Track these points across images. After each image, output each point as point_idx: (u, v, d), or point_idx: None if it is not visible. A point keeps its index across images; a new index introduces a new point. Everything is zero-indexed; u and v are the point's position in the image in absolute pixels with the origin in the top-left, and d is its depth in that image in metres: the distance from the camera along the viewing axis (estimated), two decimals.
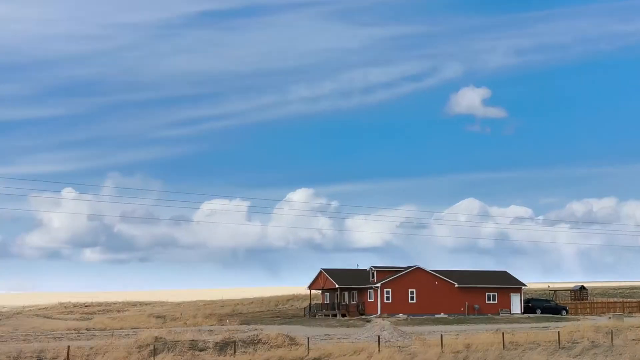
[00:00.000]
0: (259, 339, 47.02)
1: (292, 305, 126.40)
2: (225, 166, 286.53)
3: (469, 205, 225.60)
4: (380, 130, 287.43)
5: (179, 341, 45.42)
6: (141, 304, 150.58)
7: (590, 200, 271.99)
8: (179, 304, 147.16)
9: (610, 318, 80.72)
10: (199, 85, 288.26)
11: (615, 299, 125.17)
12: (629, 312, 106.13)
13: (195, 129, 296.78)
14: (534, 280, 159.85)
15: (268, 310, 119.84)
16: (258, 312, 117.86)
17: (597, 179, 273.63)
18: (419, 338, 52.48)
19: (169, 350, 42.87)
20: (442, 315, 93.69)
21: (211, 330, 67.22)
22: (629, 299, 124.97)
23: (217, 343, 45.03)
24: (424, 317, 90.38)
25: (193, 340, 46.66)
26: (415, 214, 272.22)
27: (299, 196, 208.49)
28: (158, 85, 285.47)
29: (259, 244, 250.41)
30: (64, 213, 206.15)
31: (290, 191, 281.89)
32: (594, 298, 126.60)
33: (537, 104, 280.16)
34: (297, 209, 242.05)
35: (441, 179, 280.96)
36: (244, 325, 78.15)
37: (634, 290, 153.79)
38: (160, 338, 45.96)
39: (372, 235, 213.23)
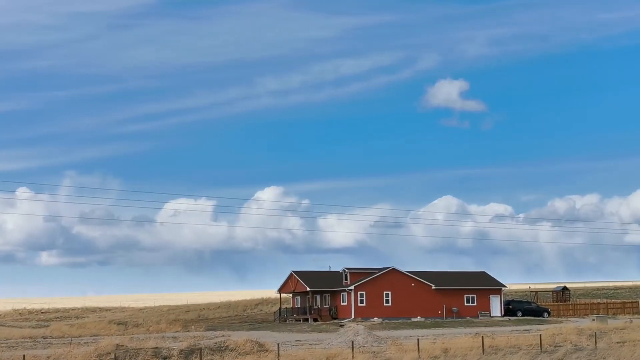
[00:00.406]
0: (226, 346, 46.83)
1: (261, 310, 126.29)
2: (189, 163, 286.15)
3: (446, 203, 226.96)
4: (353, 125, 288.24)
5: (141, 349, 45.13)
6: (101, 309, 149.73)
7: (572, 197, 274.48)
8: (141, 310, 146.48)
9: (593, 320, 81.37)
10: (161, 78, 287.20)
11: (598, 300, 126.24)
12: (613, 314, 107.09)
13: (158, 124, 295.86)
14: (515, 281, 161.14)
15: (236, 316, 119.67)
16: (225, 317, 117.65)
17: (579, 174, 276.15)
18: (395, 343, 52.52)
19: (130, 358, 42.59)
20: (418, 318, 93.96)
21: (175, 337, 66.90)
22: (612, 300, 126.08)
23: (182, 350, 44.80)
24: (399, 320, 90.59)
25: (156, 347, 46.38)
26: (391, 213, 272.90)
27: (268, 195, 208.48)
28: (118, 78, 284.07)
29: (226, 246, 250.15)
30: (18, 214, 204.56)
31: (258, 190, 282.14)
32: (577, 299, 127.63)
33: (517, 97, 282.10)
34: (266, 209, 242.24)
35: (417, 176, 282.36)
36: (211, 332, 77.88)
37: (618, 291, 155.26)
38: (122, 346, 45.64)
39: (345, 236, 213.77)
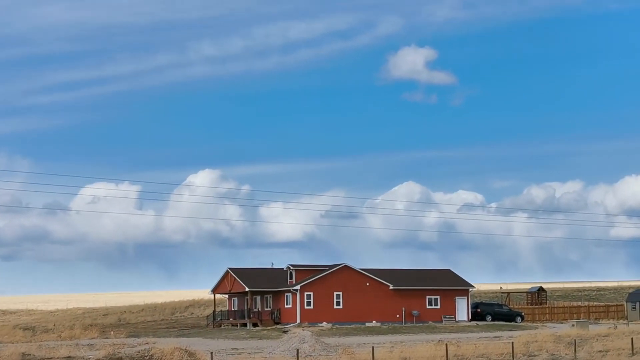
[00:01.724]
0: (151, 355, 46.77)
1: (192, 313, 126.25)
2: (110, 142, 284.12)
3: (408, 191, 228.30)
4: (302, 98, 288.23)
5: (51, 358, 44.93)
6: (5, 312, 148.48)
7: (552, 184, 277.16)
8: (52, 313, 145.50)
9: (573, 326, 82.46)
10: (77, 41, 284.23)
11: (579, 303, 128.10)
12: (595, 319, 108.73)
13: (72, 96, 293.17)
14: (485, 280, 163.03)
15: (162, 320, 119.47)
16: (150, 321, 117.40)
17: (560, 158, 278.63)
18: (346, 351, 52.83)
19: None
20: (374, 323, 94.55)
21: (92, 345, 66.61)
22: (595, 303, 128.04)
23: None
24: (352, 325, 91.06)
25: (69, 357, 46.20)
26: (344, 201, 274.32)
27: (202, 179, 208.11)
28: (26, 41, 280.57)
29: (153, 239, 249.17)
30: None
31: (191, 173, 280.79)
32: (555, 302, 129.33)
33: (492, 69, 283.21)
34: (200, 195, 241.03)
35: (375, 159, 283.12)
36: (133, 338, 77.68)
37: (601, 293, 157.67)
38: (29, 355, 45.39)
39: (291, 228, 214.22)
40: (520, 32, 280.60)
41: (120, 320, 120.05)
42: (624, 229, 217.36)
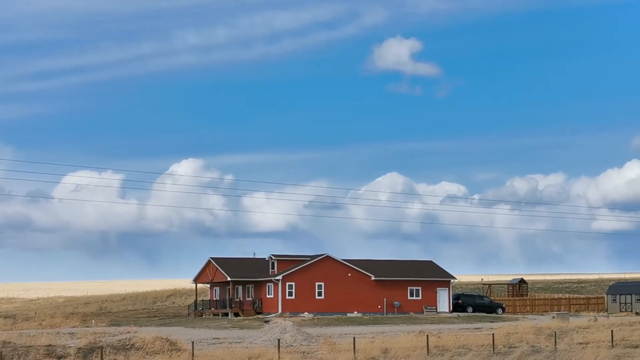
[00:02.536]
0: (132, 344, 46.70)
1: (173, 303, 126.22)
2: (93, 130, 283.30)
3: (391, 182, 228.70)
4: (287, 88, 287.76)
5: (32, 347, 44.78)
6: None
7: (534, 176, 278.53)
8: (33, 301, 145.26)
9: (553, 318, 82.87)
10: (61, 28, 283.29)
11: (560, 295, 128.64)
12: (576, 311, 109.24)
13: (56, 83, 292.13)
14: (467, 272, 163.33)
15: (144, 309, 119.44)
16: (131, 310, 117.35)
17: (543, 151, 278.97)
18: (328, 342, 52.89)
19: (19, 357, 42.25)
20: (355, 314, 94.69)
21: (73, 333, 66.48)
22: (575, 295, 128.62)
23: (80, 349, 44.55)
24: (333, 316, 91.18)
25: (50, 345, 46.05)
26: (327, 192, 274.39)
27: (185, 168, 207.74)
28: (8, 27, 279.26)
29: (135, 228, 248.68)
30: None
31: (174, 162, 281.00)
32: (536, 294, 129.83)
33: (477, 61, 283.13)
34: (183, 185, 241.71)
35: (359, 150, 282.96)
36: (114, 327, 77.58)
37: (582, 285, 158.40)
38: (9, 343, 45.25)
39: (274, 218, 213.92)
40: (506, 24, 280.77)
41: (101, 309, 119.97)
42: (606, 222, 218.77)
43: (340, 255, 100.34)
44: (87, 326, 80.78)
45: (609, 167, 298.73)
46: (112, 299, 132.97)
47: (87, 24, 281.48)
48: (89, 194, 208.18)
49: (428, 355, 45.33)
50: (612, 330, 55.00)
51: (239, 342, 57.10)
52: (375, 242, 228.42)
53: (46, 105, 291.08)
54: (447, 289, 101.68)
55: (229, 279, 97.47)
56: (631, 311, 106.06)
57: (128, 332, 66.40)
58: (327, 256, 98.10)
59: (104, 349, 43.91)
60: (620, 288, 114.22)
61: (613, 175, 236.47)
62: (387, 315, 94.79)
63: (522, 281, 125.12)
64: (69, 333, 67.28)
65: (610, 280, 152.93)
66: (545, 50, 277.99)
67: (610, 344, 50.92)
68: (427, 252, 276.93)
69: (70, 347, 45.66)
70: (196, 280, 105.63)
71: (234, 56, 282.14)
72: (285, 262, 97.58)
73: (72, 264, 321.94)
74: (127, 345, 46.58)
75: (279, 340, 48.67)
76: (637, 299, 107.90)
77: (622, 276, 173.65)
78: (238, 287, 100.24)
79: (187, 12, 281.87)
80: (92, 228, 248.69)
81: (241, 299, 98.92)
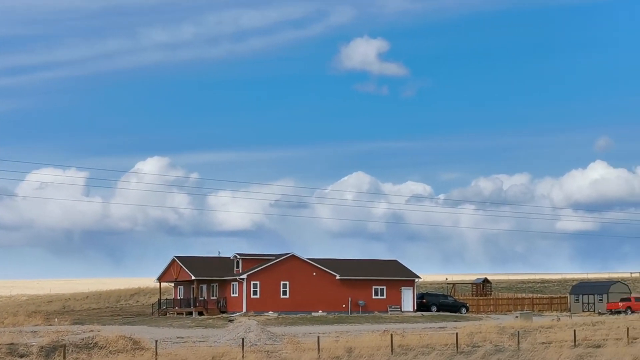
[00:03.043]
0: (95, 342, 46.51)
1: (137, 301, 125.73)
2: (57, 127, 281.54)
3: (357, 181, 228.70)
4: (253, 86, 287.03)
5: None
6: None
7: (499, 176, 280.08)
8: None
9: (517, 317, 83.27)
10: (25, 25, 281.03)
11: (523, 295, 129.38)
12: (539, 310, 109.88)
13: (19, 80, 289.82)
14: (432, 271, 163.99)
15: (107, 307, 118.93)
16: (95, 309, 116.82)
17: (508, 151, 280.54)
18: (292, 341, 52.89)
19: None
20: (320, 313, 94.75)
21: (35, 332, 66.09)
22: (539, 295, 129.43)
23: (42, 347, 44.30)
24: (298, 315, 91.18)
25: (12, 343, 45.76)
26: (293, 191, 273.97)
27: (151, 166, 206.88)
28: None
29: (99, 226, 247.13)
30: None
31: (139, 160, 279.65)
32: (499, 293, 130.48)
33: (444, 61, 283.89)
34: (148, 183, 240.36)
35: (325, 149, 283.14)
36: (77, 326, 77.21)
37: (545, 285, 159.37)
38: None
39: (240, 217, 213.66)
40: (472, 25, 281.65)
41: (64, 308, 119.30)
42: (570, 222, 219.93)
43: (305, 254, 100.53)
44: (50, 325, 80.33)
45: (573, 167, 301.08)
46: (75, 297, 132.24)
47: (53, 20, 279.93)
48: (53, 191, 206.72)
49: (392, 354, 45.44)
50: (574, 330, 55.38)
51: (203, 341, 56.99)
52: (341, 241, 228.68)
53: (10, 102, 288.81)
54: (411, 288, 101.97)
55: (193, 277, 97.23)
56: (594, 311, 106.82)
57: (91, 330, 66.07)
58: (292, 255, 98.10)
59: (66, 348, 43.66)
60: (583, 288, 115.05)
61: (577, 176, 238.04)
62: (352, 315, 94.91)
63: (485, 281, 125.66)
64: (32, 331, 66.88)
65: (573, 280, 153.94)
66: (510, 52, 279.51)
67: (573, 343, 51.29)
68: (392, 251, 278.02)
69: (32, 345, 45.40)
70: (160, 279, 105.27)
71: (201, 54, 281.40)
72: (250, 261, 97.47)
73: (35, 262, 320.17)
74: (90, 343, 46.38)
75: (243, 339, 48.65)
76: (600, 299, 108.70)
77: (585, 276, 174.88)
78: (202, 286, 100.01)
79: (154, 9, 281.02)
80: (55, 226, 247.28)
81: (205, 298, 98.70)
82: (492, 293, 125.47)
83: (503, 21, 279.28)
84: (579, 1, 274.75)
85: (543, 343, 52.00)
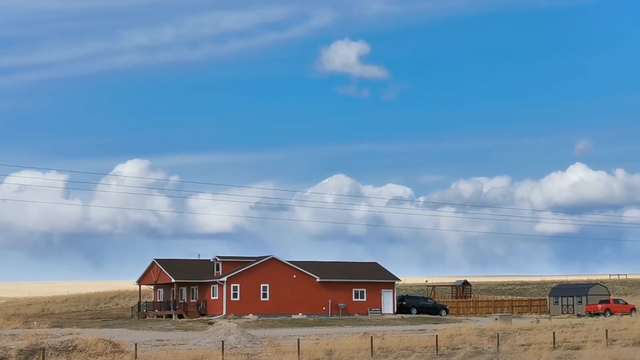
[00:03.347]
0: (75, 345, 46.36)
1: (117, 304, 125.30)
2: (37, 129, 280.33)
3: (337, 183, 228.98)
4: (234, 89, 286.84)
5: None
6: None
7: (479, 179, 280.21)
8: None
9: (496, 319, 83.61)
10: (5, 26, 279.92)
11: (503, 297, 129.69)
12: (518, 313, 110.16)
13: (0, 82, 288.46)
14: (412, 273, 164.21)
15: (87, 310, 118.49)
16: (74, 312, 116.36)
17: (488, 154, 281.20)
18: (272, 343, 52.89)
19: None
20: (300, 315, 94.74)
21: (14, 335, 65.80)
22: (518, 297, 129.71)
23: (21, 351, 44.15)
24: (278, 318, 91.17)
25: None
26: (274, 193, 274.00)
27: (131, 169, 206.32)
28: None
29: (79, 228, 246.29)
30: None
31: (119, 163, 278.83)
32: (479, 295, 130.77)
33: (424, 63, 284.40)
34: (128, 185, 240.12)
35: (306, 151, 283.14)
36: (56, 329, 76.93)
37: (525, 287, 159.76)
38: None
39: (220, 219, 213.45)
40: (452, 27, 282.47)
41: (43, 311, 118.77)
42: (549, 225, 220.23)
43: (286, 257, 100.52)
44: (29, 328, 80.00)
45: (553, 170, 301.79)
46: (54, 300, 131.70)
47: (33, 22, 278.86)
48: (32, 194, 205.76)
49: (372, 356, 45.51)
50: (554, 332, 55.61)
51: (183, 344, 56.91)
52: (321, 243, 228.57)
53: None
54: (391, 290, 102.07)
55: (173, 280, 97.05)
56: (573, 313, 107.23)
57: (70, 333, 65.87)
58: (273, 258, 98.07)
59: (45, 351, 43.53)
60: (563, 290, 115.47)
61: (557, 179, 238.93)
62: (332, 317, 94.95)
63: (465, 283, 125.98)
64: (11, 334, 66.57)
65: (552, 282, 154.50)
66: (490, 55, 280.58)
67: (552, 345, 51.49)
68: (372, 253, 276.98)
69: (11, 348, 45.23)
70: (140, 281, 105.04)
71: (181, 56, 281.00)
72: (230, 263, 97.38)
73: (14, 264, 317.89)
74: (70, 347, 46.23)
75: (223, 342, 48.59)
76: (579, 301, 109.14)
77: (564, 278, 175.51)
78: (182, 288, 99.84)
79: (134, 12, 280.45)
80: (35, 229, 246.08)
81: (185, 301, 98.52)
82: (472, 295, 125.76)
83: (482, 24, 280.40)
84: (556, 4, 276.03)
85: (522, 345, 52.18)
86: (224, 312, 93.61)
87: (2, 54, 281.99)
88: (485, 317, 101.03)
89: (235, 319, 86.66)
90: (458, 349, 50.87)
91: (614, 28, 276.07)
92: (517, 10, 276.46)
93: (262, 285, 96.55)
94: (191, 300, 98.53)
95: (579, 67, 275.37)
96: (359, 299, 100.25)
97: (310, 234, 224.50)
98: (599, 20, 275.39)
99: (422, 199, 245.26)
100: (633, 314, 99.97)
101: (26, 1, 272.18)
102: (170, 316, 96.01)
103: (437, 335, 52.86)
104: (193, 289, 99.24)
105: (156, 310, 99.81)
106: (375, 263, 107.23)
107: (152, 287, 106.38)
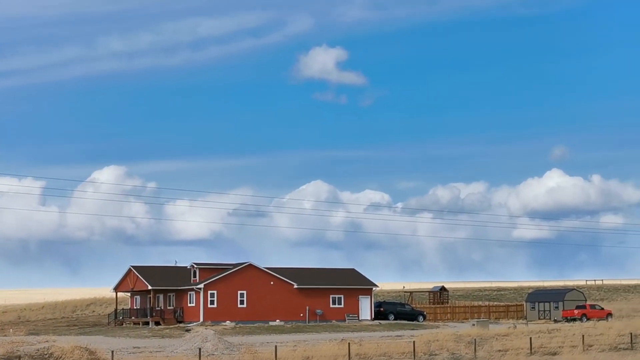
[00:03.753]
0: (51, 353, 46.19)
1: (93, 311, 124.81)
2: (13, 136, 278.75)
3: (316, 190, 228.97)
4: (211, 95, 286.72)
5: None
6: None
7: (457, 185, 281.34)
8: None
9: (473, 325, 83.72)
10: None
11: (480, 303, 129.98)
12: (495, 318, 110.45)
13: None
14: (390, 279, 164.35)
15: (63, 318, 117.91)
16: (50, 319, 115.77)
17: (465, 160, 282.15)
18: (249, 350, 52.82)
19: None
20: (277, 322, 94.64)
21: None
22: (495, 303, 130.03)
23: None
24: (256, 324, 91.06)
25: None
26: (252, 200, 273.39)
27: (108, 176, 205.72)
28: None
29: (56, 235, 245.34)
30: None
31: (96, 169, 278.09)
32: (456, 301, 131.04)
33: (402, 70, 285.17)
34: (105, 192, 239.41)
35: (284, 157, 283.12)
36: (32, 336, 76.56)
37: (502, 293, 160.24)
38: None
39: (198, 226, 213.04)
40: (430, 34, 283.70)
41: (19, 318, 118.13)
42: (526, 230, 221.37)
43: (264, 263, 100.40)
44: (5, 335, 79.59)
45: (530, 176, 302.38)
46: (30, 307, 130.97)
47: (8, 28, 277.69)
48: (8, 201, 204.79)
49: None
50: (530, 338, 55.76)
51: (160, 351, 56.76)
52: (300, 250, 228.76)
53: None
54: (369, 296, 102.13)
55: (149, 287, 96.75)
56: (549, 319, 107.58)
57: (47, 341, 65.57)
58: (250, 264, 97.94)
59: (21, 359, 43.33)
60: (539, 296, 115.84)
61: (533, 185, 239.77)
62: (310, 324, 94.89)
63: (442, 289, 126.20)
64: None
65: (529, 288, 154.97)
66: (467, 61, 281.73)
67: (529, 351, 51.65)
68: (350, 260, 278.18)
69: None
70: (116, 288, 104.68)
71: (158, 62, 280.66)
72: (207, 270, 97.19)
73: None
74: (46, 354, 46.04)
75: (200, 349, 48.51)
76: (556, 307, 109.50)
77: (541, 284, 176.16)
78: (159, 295, 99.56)
79: (111, 18, 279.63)
80: (11, 235, 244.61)
81: (162, 308, 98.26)
82: (449, 301, 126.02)
83: (459, 32, 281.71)
84: (532, 12, 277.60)
85: (500, 351, 52.32)
86: (201, 319, 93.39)
87: None
88: (463, 322, 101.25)
89: (213, 326, 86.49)
90: (435, 355, 50.95)
91: (590, 36, 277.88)
92: (493, 17, 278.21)
93: (239, 292, 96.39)
94: (168, 307, 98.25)
95: (555, 73, 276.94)
96: (337, 306, 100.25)
97: (289, 240, 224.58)
98: (574, 28, 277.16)
99: (399, 205, 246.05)
100: (609, 319, 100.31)
101: (1, 7, 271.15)
102: (147, 323, 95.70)
103: (414, 342, 52.94)
104: (170, 296, 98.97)
105: (133, 318, 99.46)
106: (353, 269, 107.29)
107: (129, 294, 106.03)
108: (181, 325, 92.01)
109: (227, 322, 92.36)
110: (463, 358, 48.12)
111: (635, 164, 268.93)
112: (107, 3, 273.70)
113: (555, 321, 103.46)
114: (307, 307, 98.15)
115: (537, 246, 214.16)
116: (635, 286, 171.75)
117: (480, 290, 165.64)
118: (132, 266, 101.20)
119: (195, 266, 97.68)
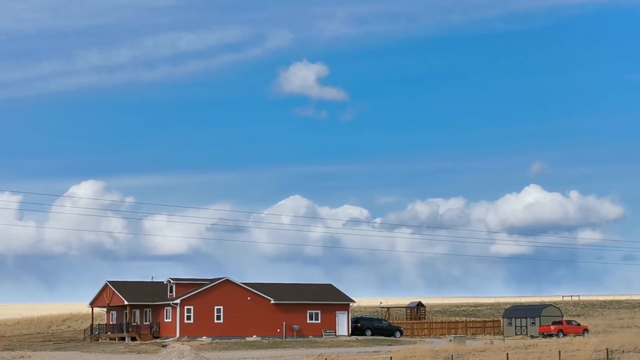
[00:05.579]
0: None
1: (69, 327, 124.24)
2: None
3: (294, 205, 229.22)
4: (190, 110, 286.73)
5: None
6: None
7: (435, 200, 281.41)
8: None
9: (450, 341, 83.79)
10: None
11: (457, 318, 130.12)
12: (473, 334, 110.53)
13: None
14: (368, 295, 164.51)
15: (38, 333, 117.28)
16: (25, 335, 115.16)
17: (444, 175, 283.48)
18: None
19: None
20: (254, 337, 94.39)
21: None
22: (472, 319, 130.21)
23: None
24: (232, 340, 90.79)
25: None
26: (230, 215, 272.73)
27: (85, 190, 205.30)
28: None
29: (33, 250, 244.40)
30: None
31: (73, 184, 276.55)
32: (433, 317, 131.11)
33: (381, 85, 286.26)
34: (83, 207, 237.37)
35: (262, 172, 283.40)
36: (7, 352, 76.06)
37: (479, 308, 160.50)
38: None
39: (176, 241, 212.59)
40: (409, 50, 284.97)
41: None
42: (504, 246, 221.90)
43: (242, 278, 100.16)
44: None
45: (508, 192, 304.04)
46: (5, 323, 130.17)
47: None
48: None
49: None
50: (507, 353, 55.82)
51: None
52: (278, 265, 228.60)
53: None
54: (346, 312, 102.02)
55: (126, 302, 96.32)
56: (526, 334, 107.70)
57: (22, 356, 65.24)
58: (227, 280, 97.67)
59: None
60: (516, 312, 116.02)
61: (512, 200, 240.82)
62: (287, 339, 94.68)
63: (420, 304, 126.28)
64: None
65: (506, 303, 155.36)
66: (446, 76, 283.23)
67: None
68: (329, 275, 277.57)
69: None
70: (92, 304, 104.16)
71: (137, 77, 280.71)
72: (184, 285, 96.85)
73: None
74: None
75: None
76: (532, 323, 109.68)
77: (518, 300, 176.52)
78: (135, 311, 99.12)
79: (90, 32, 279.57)
80: None
81: (138, 323, 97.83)
82: (427, 317, 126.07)
83: (439, 47, 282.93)
84: (510, 28, 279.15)
85: None
86: (178, 335, 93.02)
87: None
88: (440, 338, 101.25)
89: (189, 341, 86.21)
90: None
91: (568, 52, 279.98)
92: (472, 34, 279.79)
93: (216, 307, 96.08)
94: (144, 323, 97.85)
95: (534, 89, 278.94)
96: (314, 321, 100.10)
97: (267, 255, 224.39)
98: (553, 44, 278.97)
99: (378, 220, 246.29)
100: (586, 335, 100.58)
101: None
102: (123, 339, 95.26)
103: (391, 357, 52.91)
104: (146, 311, 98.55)
105: (109, 333, 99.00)
106: (330, 285, 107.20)
107: (105, 309, 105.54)
108: (157, 340, 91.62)
109: (204, 337, 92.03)
110: None
111: (613, 180, 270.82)
112: (86, 17, 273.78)
113: (532, 337, 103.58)
114: (284, 323, 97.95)
115: (515, 262, 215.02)
116: (611, 302, 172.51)
117: (457, 305, 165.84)
118: (108, 281, 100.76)
119: (171, 281, 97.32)
